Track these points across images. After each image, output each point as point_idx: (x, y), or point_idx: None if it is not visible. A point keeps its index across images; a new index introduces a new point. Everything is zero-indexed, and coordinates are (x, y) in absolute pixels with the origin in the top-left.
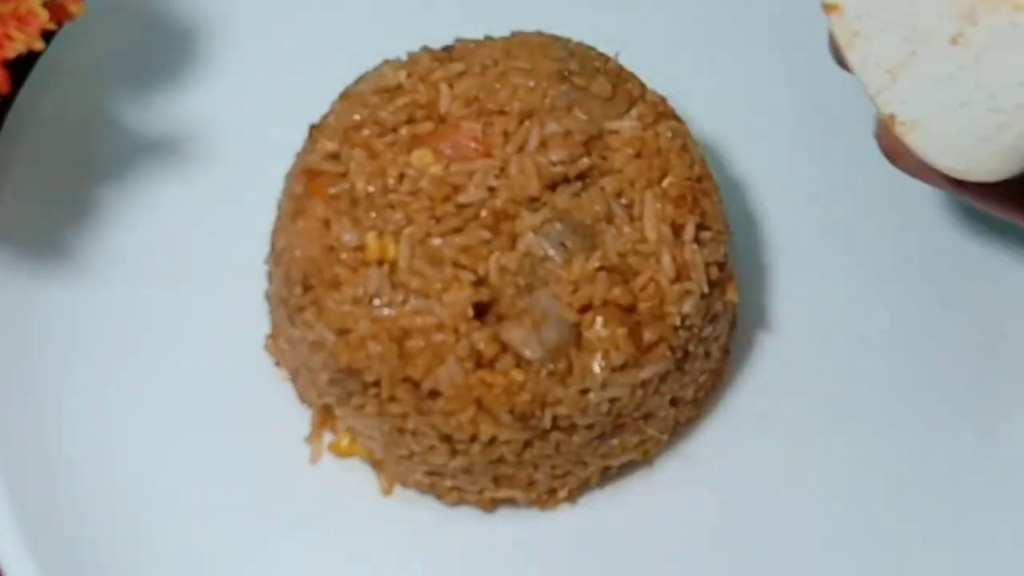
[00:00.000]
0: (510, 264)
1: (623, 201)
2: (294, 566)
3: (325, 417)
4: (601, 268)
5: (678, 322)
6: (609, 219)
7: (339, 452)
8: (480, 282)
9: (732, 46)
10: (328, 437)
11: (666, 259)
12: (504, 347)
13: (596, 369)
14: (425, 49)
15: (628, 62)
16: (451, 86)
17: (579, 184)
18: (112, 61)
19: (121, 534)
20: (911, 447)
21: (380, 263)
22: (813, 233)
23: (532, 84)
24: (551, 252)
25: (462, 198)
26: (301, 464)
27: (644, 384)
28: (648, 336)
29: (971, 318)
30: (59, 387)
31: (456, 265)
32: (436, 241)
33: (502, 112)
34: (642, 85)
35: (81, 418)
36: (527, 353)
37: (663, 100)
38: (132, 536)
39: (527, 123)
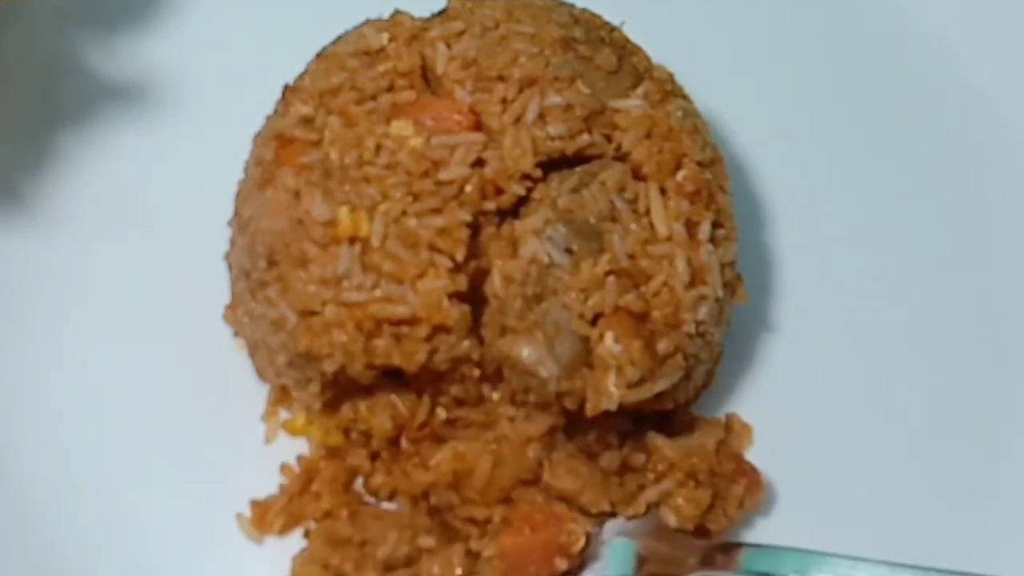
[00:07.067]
0: (515, 273)
1: (626, 196)
2: (241, 548)
3: (282, 395)
4: (611, 272)
5: (693, 330)
6: (614, 217)
7: (293, 431)
8: (458, 269)
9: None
10: (284, 414)
11: (680, 262)
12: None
13: (612, 389)
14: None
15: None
16: (449, 46)
17: (576, 171)
18: (79, 2)
19: (60, 495)
20: (914, 447)
21: (351, 241)
22: (811, 223)
23: (535, 50)
24: (557, 258)
25: (443, 175)
26: (256, 443)
27: (657, 396)
28: (663, 347)
29: (977, 311)
30: (2, 340)
31: (432, 248)
32: (412, 221)
33: (501, 78)
34: (648, 59)
35: (24, 374)
36: (542, 373)
37: (671, 76)
38: (71, 497)
39: (527, 92)
